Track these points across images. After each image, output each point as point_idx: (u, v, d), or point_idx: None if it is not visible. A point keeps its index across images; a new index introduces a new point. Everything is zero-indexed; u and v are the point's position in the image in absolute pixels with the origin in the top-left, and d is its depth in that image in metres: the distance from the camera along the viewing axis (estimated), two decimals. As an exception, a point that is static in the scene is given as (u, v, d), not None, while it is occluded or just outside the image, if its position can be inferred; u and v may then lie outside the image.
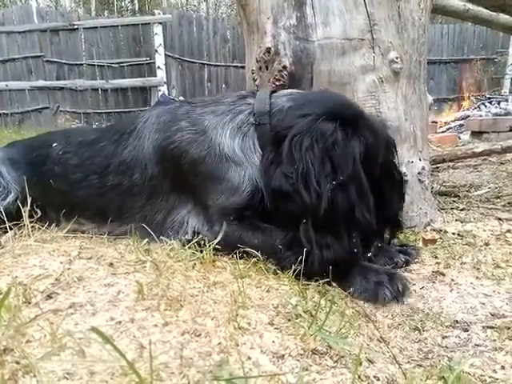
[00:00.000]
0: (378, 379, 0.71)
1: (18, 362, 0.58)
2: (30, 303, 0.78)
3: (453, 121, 4.75)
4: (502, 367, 0.81)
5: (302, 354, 0.73)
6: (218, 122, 1.26)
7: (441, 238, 1.49)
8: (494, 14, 2.56)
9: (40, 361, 0.59)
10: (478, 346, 0.90)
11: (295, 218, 1.06)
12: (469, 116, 4.53)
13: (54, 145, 1.51)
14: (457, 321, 0.99)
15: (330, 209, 1.02)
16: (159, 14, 7.57)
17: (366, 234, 1.09)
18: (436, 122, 4.66)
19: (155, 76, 7.46)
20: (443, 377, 0.72)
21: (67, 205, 1.43)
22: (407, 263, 1.29)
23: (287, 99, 1.26)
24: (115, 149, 1.39)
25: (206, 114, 1.29)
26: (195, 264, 1.03)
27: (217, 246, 1.10)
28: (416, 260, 1.32)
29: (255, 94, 1.32)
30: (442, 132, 4.42)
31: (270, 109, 1.24)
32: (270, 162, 1.14)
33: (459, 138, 4.02)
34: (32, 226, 1.28)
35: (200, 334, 0.71)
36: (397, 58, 1.50)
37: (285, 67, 1.51)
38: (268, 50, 1.54)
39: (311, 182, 1.03)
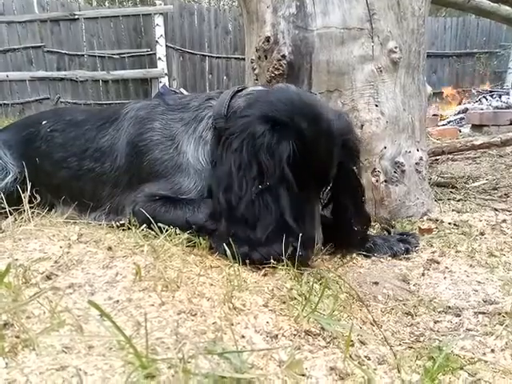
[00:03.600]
0: (369, 359, 0.73)
1: (17, 337, 0.60)
2: (29, 283, 0.80)
3: (454, 114, 4.74)
4: (492, 351, 0.83)
5: (295, 335, 0.75)
6: (185, 131, 1.29)
7: (437, 228, 1.51)
8: (496, 5, 2.54)
9: (39, 335, 0.61)
10: (469, 330, 0.92)
11: (217, 217, 1.07)
12: (468, 109, 4.51)
13: (44, 122, 1.53)
14: (449, 306, 1.01)
15: (254, 213, 1.01)
16: (160, 4, 7.50)
17: (296, 238, 1.03)
18: (437, 116, 4.65)
19: (156, 67, 7.43)
20: (432, 357, 0.74)
21: (51, 185, 1.46)
22: (407, 251, 1.30)
23: (245, 99, 1.23)
24: (96, 135, 1.42)
25: (175, 122, 1.31)
26: (193, 249, 1.04)
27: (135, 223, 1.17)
28: (417, 248, 1.33)
29: (221, 94, 1.32)
30: (443, 125, 4.41)
31: (227, 111, 1.23)
32: (211, 163, 1.18)
33: (459, 131, 4.02)
34: (32, 212, 1.30)
35: (196, 314, 0.73)
36: (396, 47, 1.50)
37: (284, 56, 1.52)
38: (267, 39, 1.55)
39: (233, 185, 1.03)
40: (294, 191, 1.04)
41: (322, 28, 1.48)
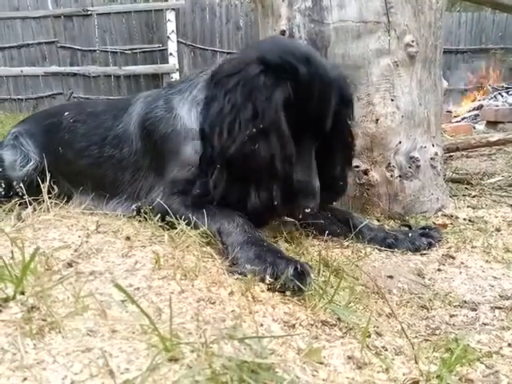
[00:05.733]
0: (386, 349, 0.73)
1: (44, 320, 0.62)
2: (51, 270, 0.82)
3: (468, 111, 4.67)
4: (509, 345, 0.83)
5: (311, 325, 0.76)
6: (181, 99, 1.28)
7: (452, 224, 1.50)
8: (514, -1, 2.49)
9: (64, 319, 0.63)
10: (485, 324, 0.91)
11: (210, 160, 1.04)
12: (483, 106, 4.45)
13: (66, 113, 1.57)
14: (465, 301, 1.01)
15: (245, 155, 0.98)
16: (172, 0, 7.52)
17: (286, 186, 1.02)
18: (450, 112, 4.59)
19: (167, 63, 7.45)
20: (450, 349, 0.74)
21: (72, 173, 1.49)
22: (430, 246, 1.28)
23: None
24: (113, 123, 1.44)
25: (175, 93, 1.32)
26: (209, 240, 1.05)
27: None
28: (440, 242, 1.31)
29: None
30: (457, 122, 4.36)
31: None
32: (202, 107, 1.13)
33: (474, 128, 3.97)
34: (50, 202, 1.32)
35: (214, 302, 0.74)
36: (412, 41, 1.49)
37: (299, 50, 1.51)
38: (283, 33, 1.55)
39: (225, 125, 0.99)
40: (288, 138, 1.01)
41: (338, 21, 1.47)
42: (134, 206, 1.33)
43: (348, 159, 1.24)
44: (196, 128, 1.20)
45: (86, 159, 1.47)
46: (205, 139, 1.08)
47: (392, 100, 1.50)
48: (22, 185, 1.39)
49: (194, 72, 1.40)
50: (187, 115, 1.24)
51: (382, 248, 1.27)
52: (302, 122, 1.05)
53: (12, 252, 0.81)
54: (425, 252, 1.27)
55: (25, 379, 0.51)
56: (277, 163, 0.99)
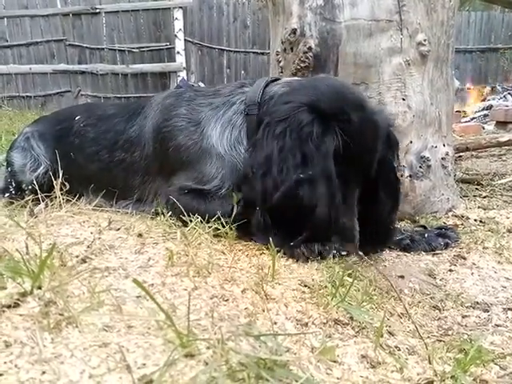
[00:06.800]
0: (399, 349, 0.73)
1: (61, 314, 0.62)
2: (66, 266, 0.82)
3: (477, 111, 4.63)
4: (523, 346, 0.82)
5: (324, 323, 0.76)
6: (213, 116, 1.26)
7: (462, 224, 1.49)
8: (527, -3, 2.47)
9: (81, 314, 0.63)
10: (498, 326, 0.91)
11: (251, 203, 1.03)
12: (493, 106, 4.40)
13: (77, 117, 1.57)
14: (477, 302, 1.00)
15: (289, 201, 0.98)
16: (180, -2, 7.53)
17: (326, 232, 1.02)
18: (459, 112, 4.56)
19: (174, 61, 7.47)
20: (464, 349, 0.74)
21: (84, 178, 1.49)
22: (447, 246, 1.26)
23: (282, 86, 1.21)
24: (125, 126, 1.44)
25: (204, 106, 1.30)
26: (220, 238, 1.06)
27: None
28: (457, 242, 1.30)
29: (255, 82, 1.30)
30: (466, 122, 4.32)
31: (262, 98, 1.20)
32: (248, 148, 1.13)
33: (483, 128, 3.93)
34: (62, 199, 1.33)
35: (228, 299, 0.74)
36: (425, 40, 1.48)
37: (310, 48, 1.51)
38: (293, 31, 1.54)
39: (271, 170, 0.99)
40: (335, 185, 0.99)
41: (349, 20, 1.47)
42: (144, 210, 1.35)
43: (395, 204, 1.20)
44: (223, 152, 1.21)
45: (97, 164, 1.47)
46: (247, 182, 1.07)
47: (403, 99, 1.49)
48: (31, 186, 1.40)
49: (226, 84, 1.37)
50: (219, 136, 1.23)
51: (398, 249, 1.25)
52: (349, 167, 1.04)
53: (27, 247, 0.82)
54: (436, 252, 1.26)
55: (44, 372, 0.52)
56: (320, 210, 0.97)
